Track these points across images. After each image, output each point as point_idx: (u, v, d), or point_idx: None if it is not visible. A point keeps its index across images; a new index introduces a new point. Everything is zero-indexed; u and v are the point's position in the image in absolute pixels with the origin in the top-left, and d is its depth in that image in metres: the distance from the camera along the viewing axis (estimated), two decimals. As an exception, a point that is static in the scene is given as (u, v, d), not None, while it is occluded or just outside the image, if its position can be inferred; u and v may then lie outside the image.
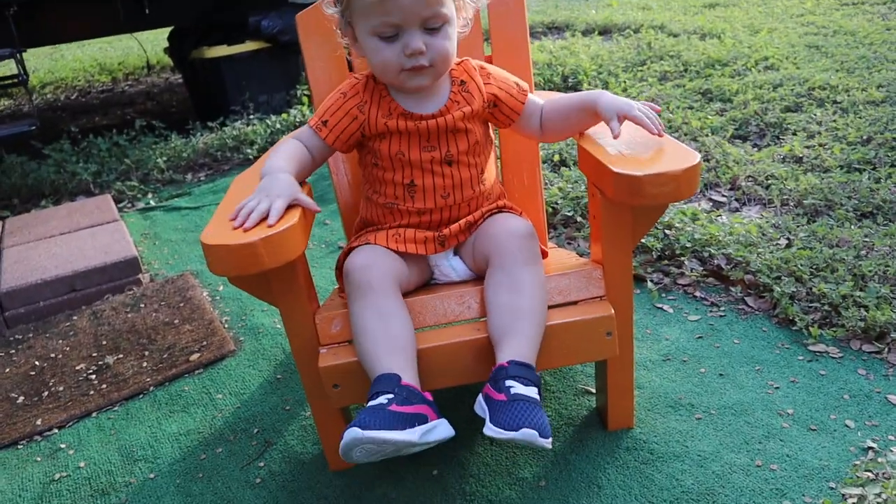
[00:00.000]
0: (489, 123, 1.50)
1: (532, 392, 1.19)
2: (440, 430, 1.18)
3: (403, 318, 1.31)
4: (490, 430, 1.16)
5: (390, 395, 1.17)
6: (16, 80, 3.66)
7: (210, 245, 1.15)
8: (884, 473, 1.34)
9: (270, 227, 1.17)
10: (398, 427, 1.12)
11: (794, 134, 3.04)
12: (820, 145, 2.86)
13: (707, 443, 1.49)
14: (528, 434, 1.11)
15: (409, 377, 1.23)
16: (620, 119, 1.32)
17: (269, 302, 1.32)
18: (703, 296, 2.04)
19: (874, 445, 1.43)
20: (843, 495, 1.31)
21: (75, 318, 2.42)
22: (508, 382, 1.19)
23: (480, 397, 1.25)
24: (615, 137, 1.31)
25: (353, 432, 1.10)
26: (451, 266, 1.49)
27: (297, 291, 1.31)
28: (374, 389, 1.20)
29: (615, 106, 1.33)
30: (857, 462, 1.39)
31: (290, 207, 1.23)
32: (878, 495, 1.28)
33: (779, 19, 5.27)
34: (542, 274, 1.36)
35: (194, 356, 2.06)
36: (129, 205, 3.48)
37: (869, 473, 1.35)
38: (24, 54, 3.56)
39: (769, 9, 5.74)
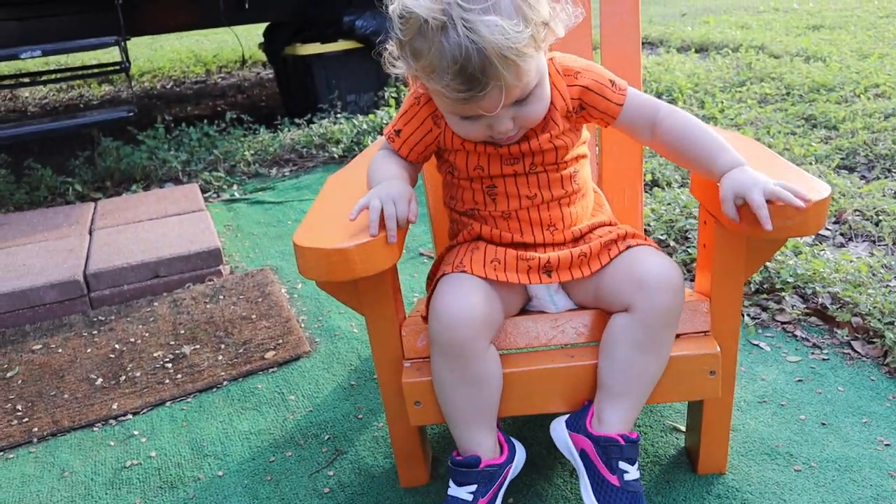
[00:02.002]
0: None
1: (637, 471, 1.23)
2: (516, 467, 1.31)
3: (493, 381, 1.25)
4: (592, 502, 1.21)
5: (473, 489, 1.25)
6: (118, 68, 3.77)
7: (303, 247, 1.12)
8: None
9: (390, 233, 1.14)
10: None
11: (908, 168, 2.84)
12: (937, 182, 2.67)
13: (807, 498, 1.37)
14: None
15: (489, 446, 1.28)
16: (739, 202, 1.13)
17: (356, 309, 1.28)
18: (804, 335, 1.90)
19: None
20: (965, 575, 1.18)
21: (156, 304, 2.45)
22: (622, 465, 1.21)
23: (571, 443, 1.27)
24: (726, 220, 1.16)
25: None
26: (551, 300, 1.35)
27: (385, 301, 1.26)
28: (456, 475, 1.27)
29: (736, 186, 1.13)
30: (980, 538, 1.26)
31: None
32: None
33: (891, 44, 5.00)
34: (675, 328, 1.25)
35: (269, 354, 2.05)
36: (215, 195, 3.53)
37: None
38: (127, 43, 3.65)
39: (879, 33, 5.46)
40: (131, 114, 3.49)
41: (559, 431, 1.31)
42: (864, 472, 1.43)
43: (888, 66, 4.35)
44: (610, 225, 1.36)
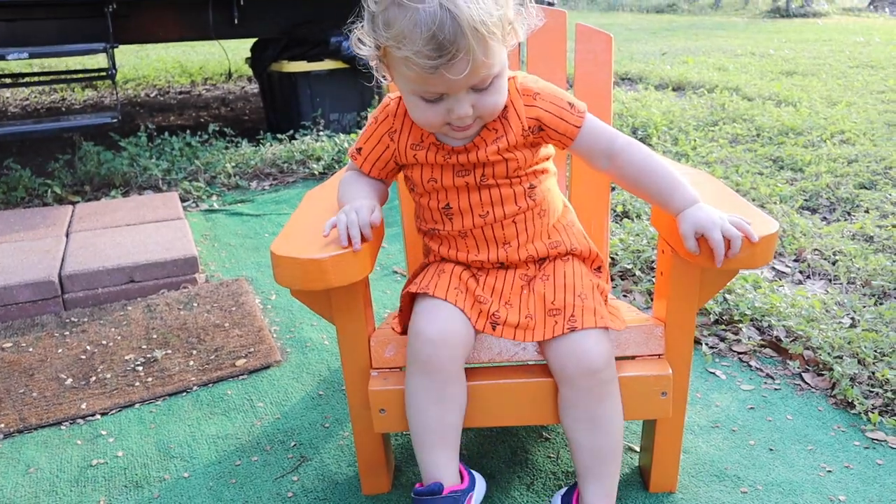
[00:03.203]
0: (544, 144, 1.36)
1: None
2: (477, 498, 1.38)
3: (462, 403, 1.31)
4: None
5: None
6: (104, 74, 3.80)
7: (279, 256, 1.17)
8: (938, 578, 1.28)
9: (350, 248, 1.19)
10: None
11: (867, 212, 2.96)
12: (893, 226, 2.78)
13: (751, 519, 1.44)
14: None
15: (452, 472, 1.32)
16: (698, 236, 1.19)
17: (327, 318, 1.33)
18: (758, 366, 1.98)
19: (930, 547, 1.36)
20: None
21: (130, 308, 2.47)
22: None
23: None
24: (684, 252, 1.22)
25: None
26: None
27: (356, 312, 1.32)
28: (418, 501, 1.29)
29: (695, 223, 1.19)
30: (910, 562, 1.33)
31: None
32: None
33: (858, 94, 5.18)
34: (619, 397, 1.28)
35: (240, 361, 2.09)
36: (194, 205, 3.56)
37: (922, 576, 1.28)
38: (115, 50, 3.69)
39: (849, 82, 5.66)
40: (115, 120, 3.52)
41: None
42: (807, 496, 1.50)
43: (854, 113, 4.52)
44: (569, 255, 1.37)
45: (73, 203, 3.48)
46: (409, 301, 1.36)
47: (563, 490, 1.42)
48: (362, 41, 1.21)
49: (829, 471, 1.58)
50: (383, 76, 1.26)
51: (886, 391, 1.79)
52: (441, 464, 1.32)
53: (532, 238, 1.35)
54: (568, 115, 1.29)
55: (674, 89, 5.75)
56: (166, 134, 4.26)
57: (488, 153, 1.27)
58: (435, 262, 1.40)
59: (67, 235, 2.90)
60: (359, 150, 1.38)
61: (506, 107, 1.27)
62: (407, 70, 1.15)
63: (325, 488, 1.56)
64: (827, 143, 3.89)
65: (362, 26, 1.20)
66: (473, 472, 1.46)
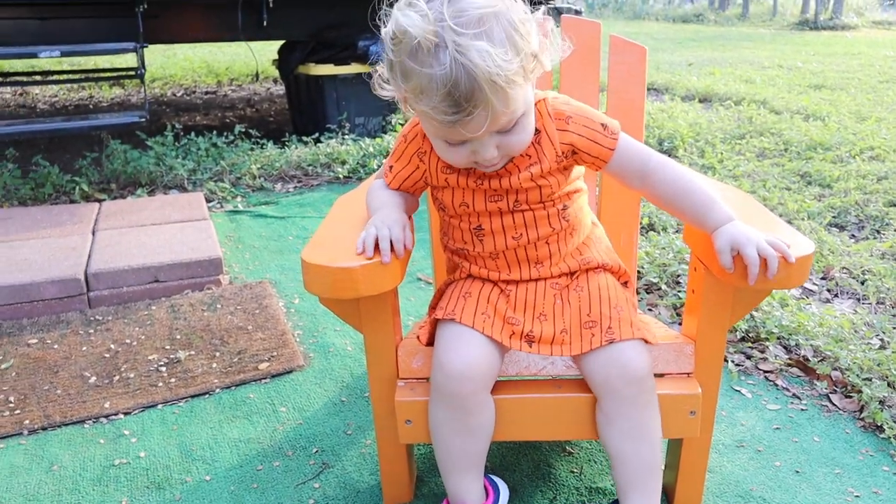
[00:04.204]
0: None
1: None
2: None
3: (488, 430, 1.31)
4: None
5: None
6: (133, 73, 3.84)
7: (310, 264, 1.17)
8: None
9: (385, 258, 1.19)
10: None
11: (897, 231, 2.92)
12: (924, 247, 2.74)
13: (777, 543, 1.42)
14: None
15: (476, 493, 1.35)
16: (734, 253, 1.18)
17: (355, 327, 1.33)
18: (784, 385, 1.96)
19: (961, 578, 1.33)
20: None
21: (154, 308, 2.49)
22: None
23: None
24: (717, 269, 1.21)
25: None
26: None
27: (384, 321, 1.31)
28: None
29: (731, 239, 1.18)
30: None
31: None
32: None
33: (888, 109, 5.12)
34: (658, 408, 1.27)
35: (263, 365, 2.09)
36: (218, 205, 3.58)
37: None
38: (144, 49, 3.73)
39: (879, 97, 5.59)
40: (143, 119, 3.55)
41: None
42: (834, 521, 1.48)
43: (884, 129, 4.46)
44: (600, 269, 1.35)
45: (100, 201, 3.51)
46: (435, 322, 1.35)
47: None
48: (383, 83, 1.19)
49: (857, 496, 1.55)
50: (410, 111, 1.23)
51: (917, 416, 1.76)
52: (465, 487, 1.34)
53: (564, 257, 1.34)
54: (601, 137, 1.27)
55: (700, 101, 5.71)
56: (192, 134, 4.29)
57: (521, 180, 1.25)
58: (461, 280, 1.37)
59: (94, 233, 2.93)
60: (391, 167, 1.37)
61: (538, 131, 1.25)
62: (426, 120, 1.16)
63: (347, 496, 1.56)
64: (856, 159, 3.84)
65: (383, 67, 1.18)
66: (496, 479, 1.46)
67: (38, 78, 5.82)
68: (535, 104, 1.24)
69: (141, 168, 3.83)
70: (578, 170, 1.35)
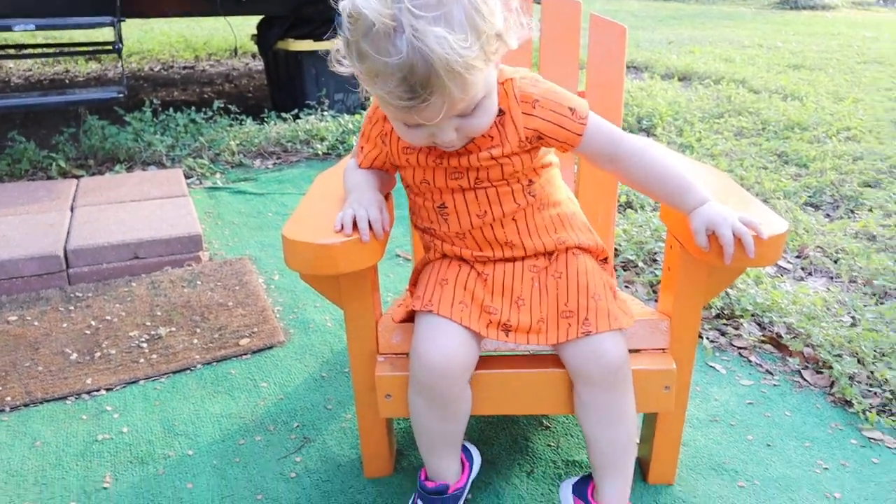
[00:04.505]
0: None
1: None
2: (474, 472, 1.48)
3: (466, 413, 1.34)
4: None
5: None
6: (110, 48, 3.78)
7: (291, 240, 1.18)
8: (930, 576, 1.30)
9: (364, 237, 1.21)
10: None
11: (871, 210, 2.97)
12: (896, 226, 2.80)
13: (747, 513, 1.46)
14: None
15: (454, 470, 1.40)
16: (709, 233, 1.20)
17: (336, 302, 1.34)
18: (758, 361, 2.00)
19: (922, 545, 1.38)
20: (885, 592, 1.27)
21: (134, 284, 2.48)
22: None
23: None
24: (694, 249, 1.23)
25: None
26: None
27: (364, 297, 1.33)
28: (426, 500, 1.37)
29: (706, 220, 1.20)
30: (902, 559, 1.35)
31: None
32: None
33: (865, 90, 5.18)
34: (633, 391, 1.29)
35: (244, 341, 2.10)
36: (197, 182, 3.56)
37: (914, 574, 1.31)
38: (121, 24, 3.67)
39: (856, 78, 5.65)
40: (121, 95, 3.51)
41: (565, 493, 1.43)
42: (803, 492, 1.52)
43: (861, 110, 4.52)
44: (577, 249, 1.33)
45: (78, 177, 3.48)
46: (410, 304, 1.36)
47: (573, 479, 1.44)
48: (340, 59, 1.14)
49: (826, 468, 1.60)
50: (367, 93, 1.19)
51: (885, 391, 1.81)
52: (444, 465, 1.38)
53: (533, 234, 1.30)
54: (569, 122, 1.23)
55: (680, 79, 5.73)
56: (171, 110, 4.24)
57: (481, 159, 1.22)
58: (437, 262, 1.35)
59: (72, 210, 2.90)
60: (361, 148, 1.37)
61: (502, 112, 1.21)
62: (382, 103, 1.12)
63: (328, 470, 1.58)
64: (832, 140, 3.89)
65: (340, 42, 1.12)
66: (469, 446, 1.51)
67: (12, 52, 5.71)
68: (501, 83, 1.21)
69: (119, 144, 3.79)
70: (548, 149, 1.33)
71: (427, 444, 1.37)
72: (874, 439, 1.69)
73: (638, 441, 1.63)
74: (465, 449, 1.48)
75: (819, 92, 5.04)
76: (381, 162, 1.35)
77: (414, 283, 1.42)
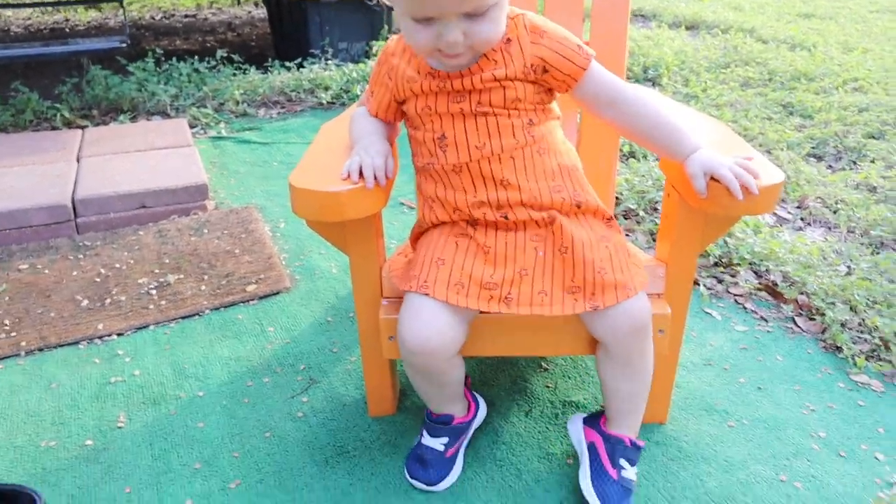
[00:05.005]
0: (552, 91, 1.31)
1: (633, 474, 1.38)
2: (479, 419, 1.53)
3: (460, 379, 1.41)
4: (589, 494, 1.35)
5: (445, 441, 1.44)
6: (112, -4, 3.76)
7: (298, 188, 1.21)
8: (908, 510, 1.36)
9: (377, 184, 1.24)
10: (449, 469, 1.44)
11: (873, 162, 2.98)
12: (897, 177, 2.81)
13: (736, 451, 1.52)
14: None
15: (459, 409, 1.46)
16: (706, 177, 1.22)
17: (341, 249, 1.38)
18: (753, 308, 2.04)
19: (903, 482, 1.44)
20: (864, 524, 1.34)
21: (141, 233, 2.52)
22: (622, 462, 1.37)
23: (583, 436, 1.44)
24: (700, 195, 1.23)
25: (418, 484, 1.42)
26: None
27: (369, 243, 1.36)
28: (430, 429, 1.45)
29: (703, 164, 1.22)
30: (881, 494, 1.41)
31: None
32: (900, 530, 1.30)
33: (876, 40, 5.11)
34: (652, 344, 1.34)
35: (251, 287, 2.15)
36: (202, 131, 3.58)
37: (893, 508, 1.37)
38: (122, -30, 3.64)
39: (867, 27, 5.57)
40: (124, 45, 3.50)
41: (576, 425, 1.48)
42: (789, 431, 1.58)
43: (870, 60, 4.47)
44: (578, 210, 1.31)
45: (82, 127, 3.49)
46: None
47: (583, 415, 1.49)
48: None
49: (813, 409, 1.65)
50: None
51: (874, 338, 1.86)
52: (448, 408, 1.45)
53: (531, 177, 1.27)
54: (575, 55, 1.24)
55: (687, 28, 5.66)
56: (174, 59, 4.23)
57: (484, 79, 1.22)
58: (434, 238, 1.32)
59: (78, 160, 2.93)
60: (372, 93, 1.39)
61: (510, 40, 1.23)
62: None
63: (333, 409, 1.65)
64: (839, 91, 3.87)
65: None
66: (478, 397, 1.56)
67: (11, 1, 5.66)
68: (511, 17, 1.23)
69: (123, 94, 3.80)
70: (552, 95, 1.33)
71: (426, 398, 1.44)
72: (861, 383, 1.74)
73: (633, 384, 1.68)
74: (473, 395, 1.54)
75: (828, 42, 4.98)
76: (388, 103, 1.35)
77: (414, 239, 1.44)
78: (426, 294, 1.24)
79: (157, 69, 4.13)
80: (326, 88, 4.02)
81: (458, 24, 1.13)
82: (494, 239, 1.29)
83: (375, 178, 1.24)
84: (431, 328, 1.24)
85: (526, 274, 1.26)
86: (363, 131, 1.36)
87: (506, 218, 1.28)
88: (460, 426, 1.45)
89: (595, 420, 1.44)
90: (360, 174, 1.24)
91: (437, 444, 1.43)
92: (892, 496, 1.40)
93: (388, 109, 1.37)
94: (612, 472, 1.35)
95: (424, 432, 1.46)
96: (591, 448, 1.40)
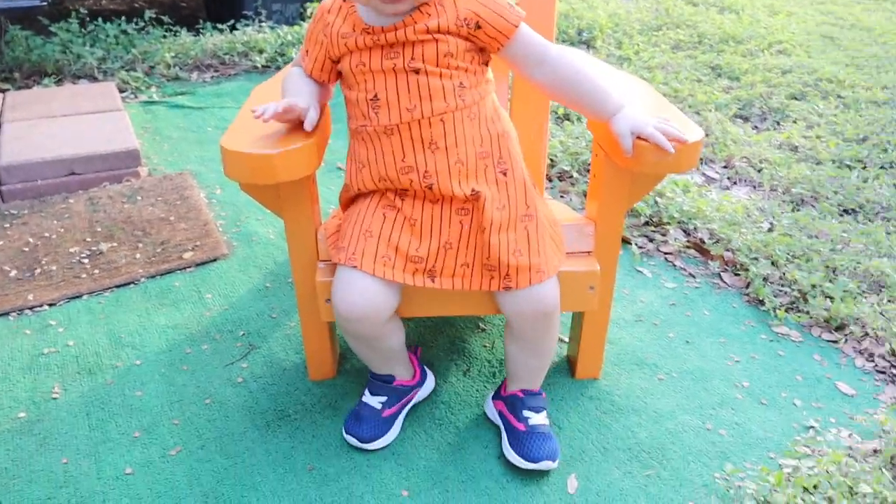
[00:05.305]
0: (483, 52, 1.30)
1: (543, 418, 1.44)
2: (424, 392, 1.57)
3: (400, 337, 1.44)
4: (512, 457, 1.40)
5: (383, 400, 1.47)
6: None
7: (229, 151, 1.20)
8: (819, 451, 1.45)
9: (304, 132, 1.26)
10: (385, 430, 1.46)
11: (795, 122, 3.09)
12: (817, 137, 2.93)
13: (665, 402, 1.59)
14: (545, 465, 1.38)
15: (401, 371, 1.50)
16: (633, 136, 1.26)
17: (275, 212, 1.38)
18: (682, 266, 2.12)
19: (815, 425, 1.54)
20: (780, 465, 1.42)
21: (71, 201, 2.46)
22: (525, 413, 1.43)
23: (495, 410, 1.51)
24: (626, 155, 1.28)
25: (351, 440, 1.45)
26: None
27: (303, 206, 1.37)
28: (372, 386, 1.49)
29: (630, 124, 1.26)
30: (798, 438, 1.50)
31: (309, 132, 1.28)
32: (811, 469, 1.39)
33: (799, 4, 5.26)
34: (558, 324, 1.39)
35: (187, 254, 2.12)
36: (132, 96, 3.47)
37: (806, 449, 1.46)
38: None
39: (793, -9, 5.71)
40: (45, 4, 3.35)
41: (488, 405, 1.54)
42: (715, 382, 1.66)
43: (794, 24, 4.61)
44: (502, 180, 1.31)
45: (3, 91, 3.35)
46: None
47: (490, 394, 1.56)
48: None
49: (737, 360, 1.74)
50: None
51: (794, 290, 1.96)
52: (389, 371, 1.49)
53: (460, 141, 1.27)
54: (507, 13, 1.25)
55: (622, -9, 5.71)
56: (99, 20, 4.07)
57: (417, 31, 1.22)
58: (362, 210, 1.33)
59: (0, 125, 2.82)
60: (307, 52, 1.36)
61: None
62: None
63: (273, 374, 1.66)
64: (764, 53, 3.98)
65: None
66: (427, 370, 1.60)
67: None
68: None
69: (46, 56, 3.64)
70: (484, 56, 1.32)
71: (367, 361, 1.47)
72: (782, 334, 1.83)
73: (567, 340, 1.74)
74: (422, 367, 1.58)
75: (755, 5, 5.10)
76: (323, 61, 1.33)
77: (344, 204, 1.44)
78: (354, 267, 1.27)
79: (82, 30, 3.97)
80: (261, 51, 3.93)
81: None
82: (421, 211, 1.30)
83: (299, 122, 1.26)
84: (363, 297, 1.28)
85: (451, 247, 1.30)
86: (293, 88, 1.35)
87: (430, 188, 1.28)
88: (402, 388, 1.49)
89: (498, 392, 1.51)
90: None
91: (376, 402, 1.46)
92: (807, 438, 1.50)
93: (323, 69, 1.35)
94: (520, 425, 1.42)
95: (366, 391, 1.49)
96: (501, 415, 1.48)
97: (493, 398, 1.52)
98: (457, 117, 1.27)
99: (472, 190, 1.28)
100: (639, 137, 1.26)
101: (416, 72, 1.24)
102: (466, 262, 1.29)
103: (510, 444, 1.41)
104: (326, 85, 1.40)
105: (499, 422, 1.49)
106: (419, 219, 1.30)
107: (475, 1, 1.24)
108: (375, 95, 1.27)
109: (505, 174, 1.31)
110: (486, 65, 1.32)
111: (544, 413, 1.45)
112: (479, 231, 1.28)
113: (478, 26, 1.24)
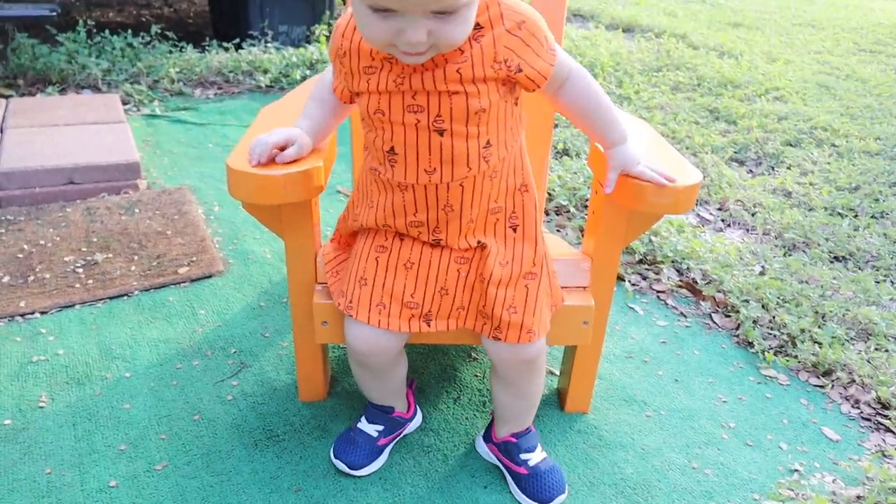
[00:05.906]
0: (516, 88, 1.18)
1: (540, 453, 1.45)
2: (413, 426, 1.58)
3: (403, 372, 1.45)
4: (525, 501, 1.40)
5: (380, 429, 1.47)
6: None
7: (235, 170, 1.22)
8: (803, 494, 1.46)
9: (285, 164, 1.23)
10: (375, 458, 1.47)
11: (789, 168, 3.14)
12: (811, 184, 2.97)
13: (652, 439, 1.60)
14: (558, 501, 1.39)
15: (400, 405, 1.51)
16: (621, 175, 1.29)
17: (277, 233, 1.39)
18: (674, 304, 2.14)
19: (800, 469, 1.55)
20: (765, 508, 1.43)
21: (69, 210, 2.46)
22: (524, 456, 1.43)
23: (488, 451, 1.50)
24: (606, 190, 1.31)
25: (340, 465, 1.44)
26: None
27: (305, 228, 1.38)
28: (369, 415, 1.49)
29: (622, 161, 1.28)
30: (782, 481, 1.51)
31: (314, 151, 1.29)
32: (796, 513, 1.40)
33: (797, 52, 5.35)
34: (544, 369, 1.38)
35: (183, 269, 2.13)
36: (135, 108, 3.49)
37: (790, 492, 1.47)
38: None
39: (790, 39, 5.82)
40: (54, 14, 3.39)
41: (481, 446, 1.53)
42: (702, 421, 1.67)
43: (791, 71, 4.69)
44: (511, 235, 1.27)
45: (6, 97, 3.36)
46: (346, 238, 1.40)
47: (481, 433, 1.55)
48: None
49: (725, 401, 1.75)
50: None
51: (783, 334, 1.98)
52: (390, 403, 1.50)
53: (474, 205, 1.21)
54: (545, 52, 1.13)
55: (624, 30, 5.80)
56: (106, 32, 4.11)
57: (447, 76, 1.08)
58: (361, 254, 1.29)
59: (2, 131, 2.83)
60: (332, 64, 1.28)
61: (483, 26, 1.09)
62: None
63: (264, 393, 1.65)
64: (762, 99, 4.05)
65: None
66: (417, 407, 1.61)
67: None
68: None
69: (51, 65, 3.67)
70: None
71: (368, 392, 1.47)
72: (769, 377, 1.85)
73: (558, 373, 1.75)
74: (415, 403, 1.59)
75: (754, 51, 5.19)
76: (342, 89, 1.23)
77: (340, 232, 1.40)
78: (351, 316, 1.28)
79: (89, 41, 4.00)
80: (265, 71, 3.97)
81: (423, 23, 0.98)
82: (420, 255, 1.26)
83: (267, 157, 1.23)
84: (367, 343, 1.30)
85: (447, 294, 1.27)
86: (309, 104, 1.32)
87: (437, 242, 1.25)
88: (398, 419, 1.49)
89: (489, 434, 1.50)
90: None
91: (372, 430, 1.46)
92: (791, 481, 1.50)
93: (343, 93, 1.25)
94: (521, 469, 1.42)
95: (363, 418, 1.49)
96: (498, 459, 1.48)
97: (485, 440, 1.51)
98: (477, 179, 1.18)
99: (479, 242, 1.25)
100: (627, 175, 1.28)
101: (441, 133, 1.13)
102: (462, 306, 1.28)
103: (518, 488, 1.41)
104: (348, 105, 1.30)
105: (493, 461, 1.49)
106: (417, 262, 1.26)
107: (515, 38, 1.10)
108: (392, 149, 1.16)
109: (515, 230, 1.26)
110: (517, 102, 1.21)
111: (539, 447, 1.45)
112: (478, 279, 1.26)
113: (519, 69, 1.12)
